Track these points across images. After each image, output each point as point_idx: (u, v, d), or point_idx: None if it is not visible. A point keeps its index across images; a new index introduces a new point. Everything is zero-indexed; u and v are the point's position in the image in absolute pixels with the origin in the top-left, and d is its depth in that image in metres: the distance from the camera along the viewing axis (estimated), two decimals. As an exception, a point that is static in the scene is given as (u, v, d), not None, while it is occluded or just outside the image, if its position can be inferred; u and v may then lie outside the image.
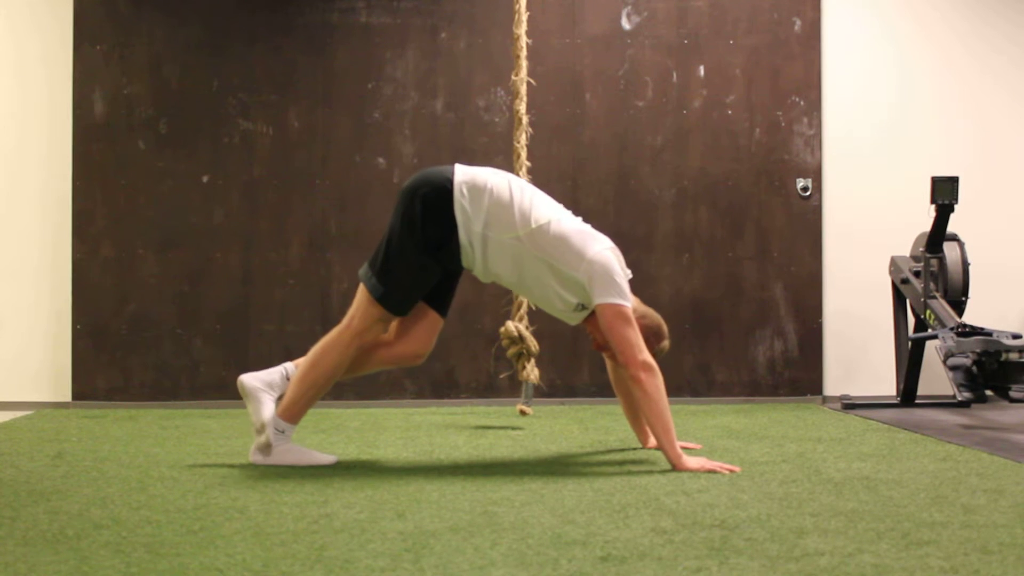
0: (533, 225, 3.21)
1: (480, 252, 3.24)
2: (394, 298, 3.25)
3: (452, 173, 3.26)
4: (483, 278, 3.37)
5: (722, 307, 5.41)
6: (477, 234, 3.21)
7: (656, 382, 3.17)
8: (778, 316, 5.42)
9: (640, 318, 3.34)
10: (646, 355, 3.18)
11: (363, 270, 3.31)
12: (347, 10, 5.34)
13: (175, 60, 5.28)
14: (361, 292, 3.29)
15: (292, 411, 3.31)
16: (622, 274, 3.24)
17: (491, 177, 3.27)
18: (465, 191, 3.21)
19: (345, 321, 3.31)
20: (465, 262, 3.29)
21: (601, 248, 3.23)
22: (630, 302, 3.22)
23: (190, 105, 5.27)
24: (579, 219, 3.35)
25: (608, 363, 3.64)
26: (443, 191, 3.22)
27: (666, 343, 3.46)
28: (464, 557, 2.11)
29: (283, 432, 3.31)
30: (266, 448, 3.29)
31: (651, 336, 3.37)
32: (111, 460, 3.41)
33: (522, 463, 3.37)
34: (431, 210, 3.21)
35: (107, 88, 5.24)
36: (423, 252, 3.23)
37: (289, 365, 3.41)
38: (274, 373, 3.38)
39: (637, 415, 3.63)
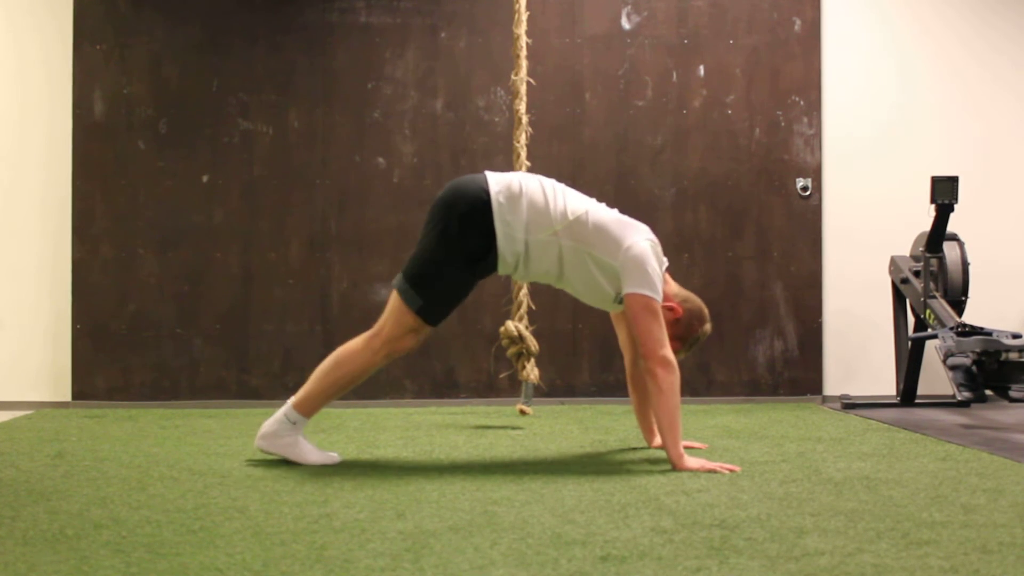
0: (571, 217, 3.22)
1: (523, 257, 3.24)
2: (433, 310, 3.24)
3: (487, 183, 3.25)
4: (524, 279, 3.38)
5: (722, 307, 5.41)
6: (520, 241, 3.21)
7: (672, 379, 3.17)
8: (778, 316, 5.42)
9: (683, 302, 3.36)
10: (667, 350, 3.18)
11: (398, 280, 3.27)
12: (347, 10, 5.34)
13: (175, 60, 5.28)
14: (394, 300, 3.26)
15: (307, 405, 3.30)
16: (657, 267, 3.23)
17: (523, 181, 3.28)
18: (503, 200, 3.21)
19: (376, 328, 3.28)
20: (503, 269, 3.29)
21: (640, 238, 3.24)
22: (660, 296, 3.21)
23: (190, 105, 5.27)
24: (615, 210, 3.35)
25: (627, 356, 3.60)
26: (481, 203, 3.20)
27: (708, 326, 3.45)
28: (464, 557, 2.11)
29: (295, 424, 3.30)
30: (272, 436, 3.30)
31: (694, 320, 3.38)
32: (111, 460, 3.41)
33: (522, 463, 3.37)
34: (470, 225, 3.20)
35: (107, 88, 5.24)
36: (463, 267, 3.23)
37: (288, 409, 3.34)
38: (280, 424, 3.34)
39: (646, 414, 3.63)
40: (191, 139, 5.27)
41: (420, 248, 3.27)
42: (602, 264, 3.23)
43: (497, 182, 3.26)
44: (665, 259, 3.34)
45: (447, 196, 3.27)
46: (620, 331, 3.57)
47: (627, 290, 3.20)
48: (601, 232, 3.22)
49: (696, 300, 3.43)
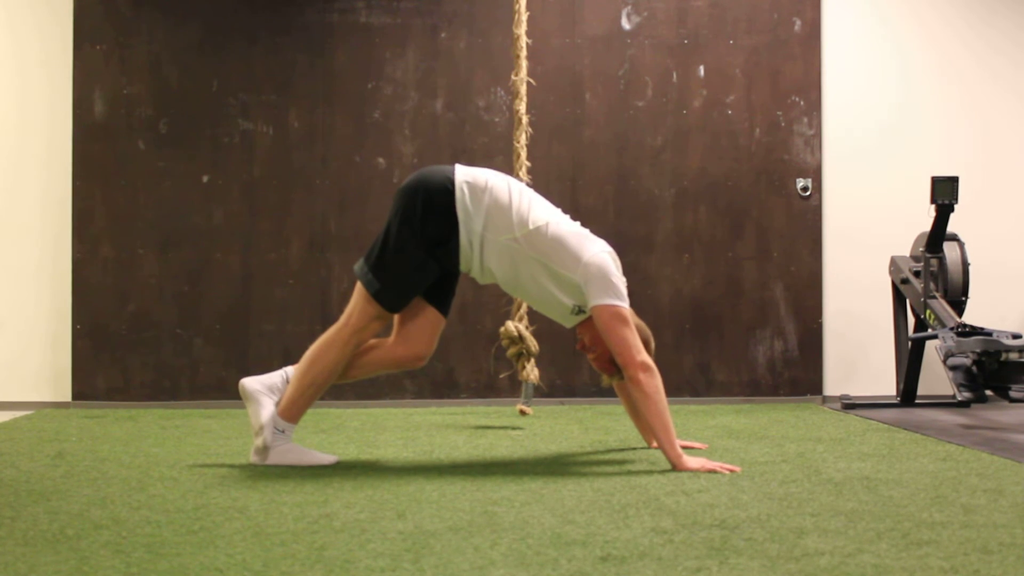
0: (531, 227, 3.21)
1: (478, 253, 3.24)
2: (389, 295, 3.25)
3: (452, 172, 3.27)
4: (480, 279, 3.36)
5: (722, 307, 5.41)
6: (476, 233, 3.21)
7: (655, 382, 3.17)
8: (778, 316, 5.42)
9: None
10: (644, 356, 3.18)
11: (358, 265, 3.31)
12: (347, 10, 5.34)
13: (175, 60, 5.28)
14: (358, 289, 3.30)
15: (292, 410, 3.31)
16: (619, 276, 3.24)
17: (491, 177, 3.28)
18: (466, 189, 3.22)
19: (343, 319, 3.31)
20: (463, 264, 3.29)
21: (598, 251, 3.23)
22: (627, 303, 3.22)
23: (190, 105, 5.28)
24: (577, 223, 3.34)
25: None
26: (445, 189, 3.22)
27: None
28: (464, 557, 2.11)
29: (283, 432, 3.30)
30: (263, 452, 3.29)
31: None
32: (111, 460, 3.41)
33: (522, 463, 3.37)
34: (432, 208, 3.21)
35: (107, 88, 5.24)
36: (422, 250, 3.23)
37: (289, 369, 3.40)
38: (275, 377, 3.37)
39: (640, 416, 3.62)
40: (191, 139, 5.28)
41: (381, 233, 3.29)
42: (559, 277, 3.22)
43: (464, 172, 3.28)
44: (623, 277, 3.30)
45: (412, 182, 3.29)
46: (579, 338, 3.49)
47: (593, 302, 3.19)
48: (559, 245, 3.21)
49: (645, 330, 3.37)
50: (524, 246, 3.21)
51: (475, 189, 3.23)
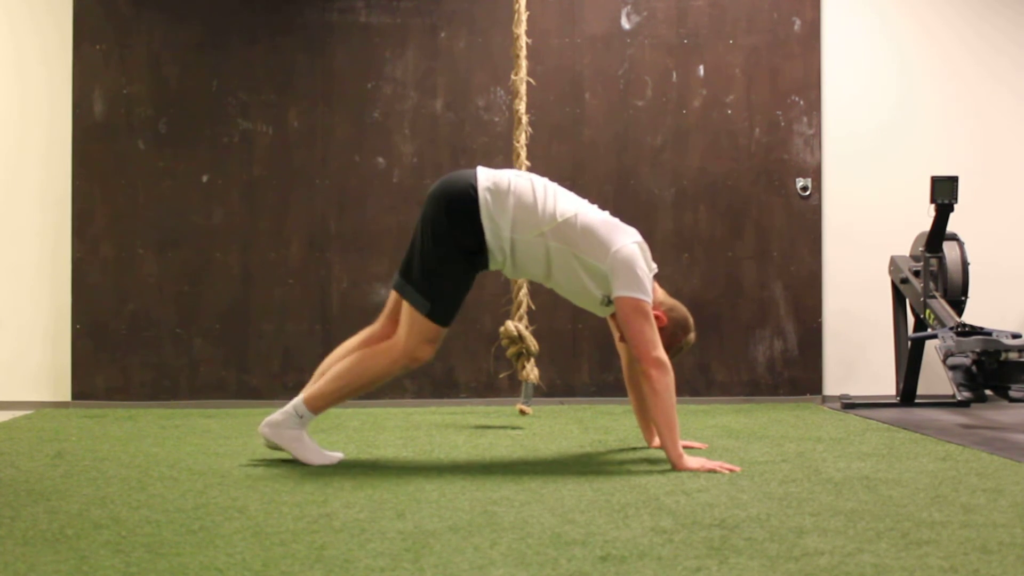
0: (559, 219, 3.22)
1: (509, 254, 3.25)
2: (440, 310, 3.24)
3: (475, 179, 3.26)
4: (513, 276, 3.40)
5: (722, 307, 5.41)
6: (505, 239, 3.22)
7: (667, 380, 3.17)
8: (778, 316, 5.42)
9: (668, 311, 3.36)
10: (660, 352, 3.18)
11: (398, 282, 3.29)
12: (347, 10, 5.34)
13: (175, 60, 5.28)
14: (405, 310, 3.26)
15: (319, 403, 3.30)
16: (646, 268, 3.25)
17: (513, 178, 3.28)
18: (489, 197, 3.22)
19: (397, 337, 3.27)
20: (494, 265, 3.30)
21: (628, 241, 3.24)
22: (650, 297, 3.22)
23: (190, 105, 5.28)
24: (606, 212, 3.35)
25: (623, 358, 3.62)
26: (468, 199, 3.22)
27: (692, 336, 3.48)
28: (464, 557, 2.11)
29: (301, 417, 3.30)
30: (275, 426, 3.29)
31: (678, 329, 3.39)
32: (111, 460, 3.42)
33: (522, 463, 3.37)
34: (458, 218, 3.21)
35: (107, 88, 5.24)
36: (460, 259, 3.24)
37: (298, 402, 3.34)
38: (286, 413, 3.33)
39: (645, 414, 3.63)
40: (191, 139, 5.28)
41: (418, 250, 3.27)
42: (589, 267, 3.23)
43: (486, 178, 3.27)
44: (654, 265, 3.33)
45: (436, 192, 3.29)
46: (616, 332, 3.58)
47: (617, 293, 3.20)
48: (589, 235, 3.22)
49: (682, 309, 3.43)
50: (552, 239, 3.22)
51: (498, 195, 3.23)
